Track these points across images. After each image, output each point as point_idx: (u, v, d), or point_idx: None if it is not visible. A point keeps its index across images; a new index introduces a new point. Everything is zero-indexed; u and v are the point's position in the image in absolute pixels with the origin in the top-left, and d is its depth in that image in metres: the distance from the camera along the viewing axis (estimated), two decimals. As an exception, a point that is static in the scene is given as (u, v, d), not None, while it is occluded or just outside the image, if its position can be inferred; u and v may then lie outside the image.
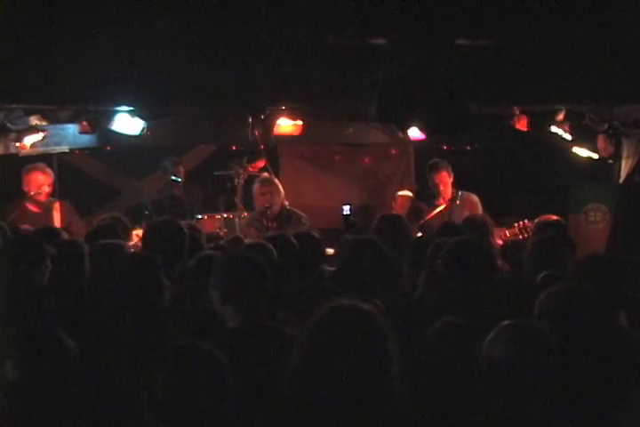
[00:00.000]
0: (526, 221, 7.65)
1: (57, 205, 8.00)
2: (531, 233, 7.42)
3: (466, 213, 8.00)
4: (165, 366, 2.96)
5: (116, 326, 4.05)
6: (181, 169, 9.16)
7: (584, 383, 3.20)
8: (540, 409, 2.99)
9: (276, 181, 8.32)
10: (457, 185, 8.56)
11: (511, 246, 7.65)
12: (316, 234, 5.87)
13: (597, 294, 3.60)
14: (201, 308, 4.37)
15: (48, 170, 8.04)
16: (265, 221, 8.04)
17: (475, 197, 8.51)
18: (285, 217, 8.11)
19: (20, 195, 7.99)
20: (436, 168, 8.51)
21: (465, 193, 8.51)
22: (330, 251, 6.48)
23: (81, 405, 3.09)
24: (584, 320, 3.45)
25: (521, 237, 7.56)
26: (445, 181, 8.42)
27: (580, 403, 3.16)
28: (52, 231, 6.13)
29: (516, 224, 7.75)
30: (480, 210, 8.35)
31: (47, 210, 7.92)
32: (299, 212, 8.26)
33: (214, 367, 3.00)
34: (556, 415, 3.02)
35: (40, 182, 7.90)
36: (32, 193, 7.85)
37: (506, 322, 3.16)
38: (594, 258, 4.53)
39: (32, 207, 7.94)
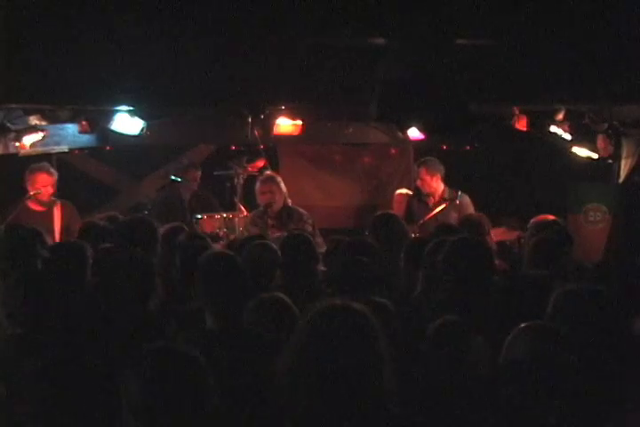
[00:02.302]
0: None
1: (59, 205, 8.04)
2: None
3: (454, 215, 8.05)
4: (141, 370, 2.92)
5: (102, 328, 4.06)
6: (197, 173, 9.17)
7: (596, 383, 3.21)
8: (558, 408, 3.00)
9: (279, 179, 8.34)
10: (454, 185, 8.61)
11: (510, 246, 7.67)
12: (307, 234, 5.86)
13: (611, 296, 3.60)
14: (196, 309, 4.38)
15: (52, 171, 8.07)
16: (266, 219, 8.05)
17: (466, 198, 8.53)
18: (286, 215, 8.12)
19: (20, 194, 8.00)
20: (417, 164, 8.76)
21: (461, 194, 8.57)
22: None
23: (62, 409, 3.07)
24: (596, 321, 3.45)
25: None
26: (422, 177, 8.58)
27: (593, 402, 3.17)
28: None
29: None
30: (471, 211, 8.38)
31: (49, 209, 7.97)
32: (300, 210, 8.26)
33: (192, 369, 2.92)
34: (571, 414, 3.03)
35: (43, 183, 7.93)
36: (34, 192, 7.89)
37: (525, 323, 3.17)
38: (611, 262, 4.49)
39: (34, 206, 7.99)
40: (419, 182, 8.62)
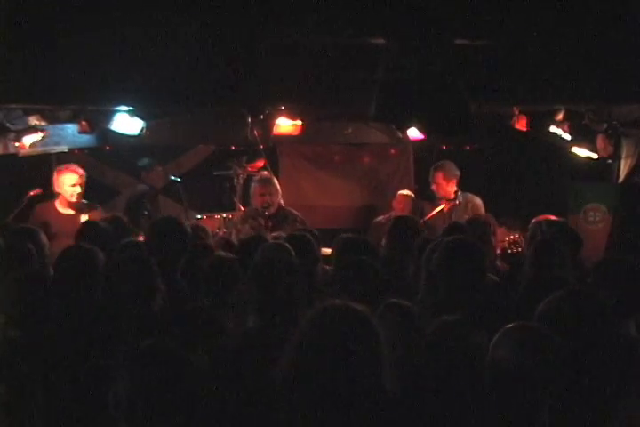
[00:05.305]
0: (517, 235, 7.68)
1: (88, 210, 7.79)
2: (520, 248, 7.46)
3: (467, 216, 8.06)
4: (128, 368, 2.91)
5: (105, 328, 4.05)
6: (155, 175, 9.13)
7: (584, 386, 3.21)
8: (543, 410, 2.99)
9: (275, 180, 8.34)
10: (459, 186, 8.65)
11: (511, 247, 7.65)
12: (308, 235, 5.84)
13: (602, 299, 3.59)
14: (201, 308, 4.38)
15: (81, 171, 7.90)
16: (261, 220, 8.05)
17: (478, 200, 8.61)
18: (282, 217, 8.12)
19: (20, 194, 7.95)
20: (434, 167, 8.75)
21: (469, 195, 8.62)
22: (327, 251, 6.48)
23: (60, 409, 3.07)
24: (585, 325, 3.44)
25: (510, 251, 7.56)
26: (439, 182, 8.61)
27: (580, 405, 3.17)
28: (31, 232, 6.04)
29: (506, 238, 7.75)
30: (482, 212, 8.40)
31: (79, 212, 7.75)
32: (294, 211, 8.27)
33: (179, 366, 2.91)
34: (557, 417, 3.02)
35: (72, 183, 7.78)
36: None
37: (511, 324, 3.16)
38: (610, 263, 4.45)
39: (62, 208, 7.82)
40: (434, 186, 8.65)
